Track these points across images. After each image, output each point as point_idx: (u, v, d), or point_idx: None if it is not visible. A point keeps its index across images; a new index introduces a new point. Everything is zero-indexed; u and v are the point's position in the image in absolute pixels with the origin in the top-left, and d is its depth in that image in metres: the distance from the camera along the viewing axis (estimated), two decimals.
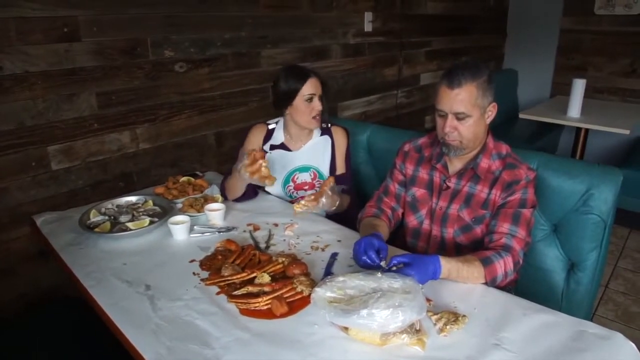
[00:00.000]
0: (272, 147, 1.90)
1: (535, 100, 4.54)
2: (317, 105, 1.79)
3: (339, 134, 1.93)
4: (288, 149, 1.90)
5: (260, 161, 1.61)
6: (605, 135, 3.56)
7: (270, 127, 1.93)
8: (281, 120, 1.91)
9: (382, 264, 1.21)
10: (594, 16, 4.25)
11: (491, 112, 1.40)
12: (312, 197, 1.59)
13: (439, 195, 1.50)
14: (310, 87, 1.77)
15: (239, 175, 1.64)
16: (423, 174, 1.56)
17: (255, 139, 1.92)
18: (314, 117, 1.80)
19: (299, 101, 1.77)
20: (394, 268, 1.18)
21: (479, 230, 1.45)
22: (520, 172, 1.39)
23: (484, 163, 1.43)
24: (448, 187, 1.49)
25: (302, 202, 1.58)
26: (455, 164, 1.49)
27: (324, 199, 1.58)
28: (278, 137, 1.91)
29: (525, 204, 1.37)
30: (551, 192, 1.55)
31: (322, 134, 1.92)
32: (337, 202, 1.64)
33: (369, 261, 1.21)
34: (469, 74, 1.31)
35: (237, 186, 1.76)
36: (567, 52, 4.52)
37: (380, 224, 1.52)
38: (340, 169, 1.92)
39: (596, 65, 4.37)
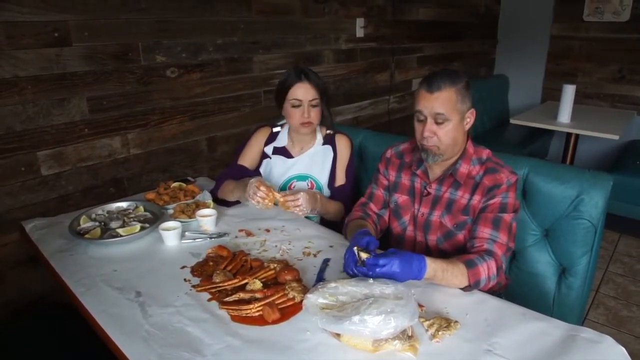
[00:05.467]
0: (275, 150, 1.87)
1: (526, 105, 4.58)
2: (305, 112, 1.72)
3: (342, 144, 1.87)
4: (288, 155, 1.87)
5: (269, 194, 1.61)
6: (595, 140, 3.60)
7: (275, 129, 1.90)
8: (287, 122, 1.87)
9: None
10: (583, 23, 4.31)
11: (469, 119, 1.40)
12: (290, 195, 1.61)
13: (421, 202, 1.50)
14: (297, 92, 1.71)
15: (243, 198, 1.66)
16: (405, 180, 1.55)
17: (257, 140, 1.90)
18: (302, 124, 1.75)
19: (287, 104, 1.74)
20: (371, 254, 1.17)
21: (461, 236, 1.44)
22: (502, 176, 1.38)
23: (464, 168, 1.43)
24: (429, 194, 1.48)
25: (282, 201, 1.60)
26: (435, 170, 1.48)
27: (301, 199, 1.59)
28: (281, 140, 1.88)
29: (505, 208, 1.36)
30: (542, 198, 1.56)
31: (324, 143, 1.87)
32: (319, 200, 1.65)
33: (356, 272, 1.18)
34: (448, 79, 1.33)
35: (235, 197, 1.75)
36: (557, 58, 4.57)
37: (366, 225, 1.52)
38: (340, 180, 1.87)
39: (585, 71, 4.43)
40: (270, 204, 1.62)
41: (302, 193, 1.60)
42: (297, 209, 1.60)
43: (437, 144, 1.37)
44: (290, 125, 1.81)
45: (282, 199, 1.60)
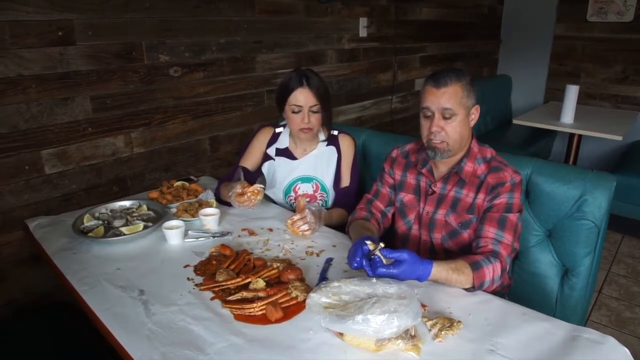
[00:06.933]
0: (278, 152, 1.87)
1: (529, 106, 4.57)
2: (304, 118, 1.70)
3: (346, 144, 1.86)
4: (292, 157, 1.85)
5: (249, 194, 1.62)
6: (598, 141, 3.59)
7: (278, 130, 1.90)
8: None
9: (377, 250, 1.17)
10: (587, 23, 4.30)
11: (474, 115, 1.42)
12: (297, 217, 1.56)
13: (426, 200, 1.51)
14: (297, 98, 1.69)
15: (230, 198, 1.65)
16: (410, 179, 1.56)
17: (259, 141, 1.90)
18: (301, 130, 1.73)
19: (287, 109, 1.73)
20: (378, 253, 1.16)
21: (466, 235, 1.44)
22: (505, 174, 1.39)
23: (469, 167, 1.43)
24: (434, 192, 1.49)
25: (292, 226, 1.56)
26: (441, 169, 1.49)
27: (308, 217, 1.55)
28: (284, 141, 1.87)
29: (511, 208, 1.36)
30: (545, 198, 1.56)
31: (328, 144, 1.86)
32: (323, 214, 1.63)
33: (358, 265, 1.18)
34: (454, 75, 1.36)
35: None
36: (560, 58, 4.56)
37: (370, 227, 1.52)
38: (345, 181, 1.85)
39: (589, 72, 4.41)
40: (255, 199, 1.62)
41: (307, 210, 1.57)
42: (306, 226, 1.54)
43: (444, 139, 1.38)
44: (291, 130, 1.81)
45: (290, 222, 1.56)
